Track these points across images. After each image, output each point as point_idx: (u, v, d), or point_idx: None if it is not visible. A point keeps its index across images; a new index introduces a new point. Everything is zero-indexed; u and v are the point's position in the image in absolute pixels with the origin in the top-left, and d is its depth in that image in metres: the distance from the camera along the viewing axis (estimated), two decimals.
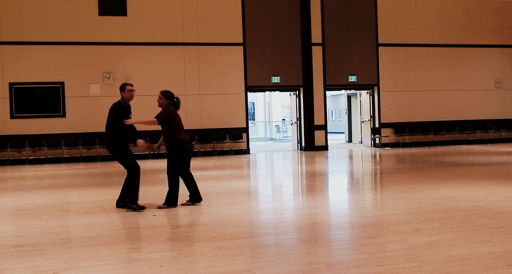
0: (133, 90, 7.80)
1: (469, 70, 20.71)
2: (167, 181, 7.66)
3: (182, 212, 7.28)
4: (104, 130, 7.81)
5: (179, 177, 7.73)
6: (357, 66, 19.63)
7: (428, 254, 4.83)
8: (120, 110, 7.62)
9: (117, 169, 13.36)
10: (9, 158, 16.52)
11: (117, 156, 7.73)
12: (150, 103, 16.85)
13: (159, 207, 7.55)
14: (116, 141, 7.62)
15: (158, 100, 7.76)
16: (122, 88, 7.78)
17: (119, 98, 7.82)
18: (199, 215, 7.04)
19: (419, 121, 20.16)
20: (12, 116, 16.63)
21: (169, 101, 7.68)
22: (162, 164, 7.79)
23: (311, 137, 19.18)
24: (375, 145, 19.97)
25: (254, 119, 30.84)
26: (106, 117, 7.73)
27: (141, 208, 7.52)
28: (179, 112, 7.88)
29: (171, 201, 7.56)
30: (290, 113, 21.01)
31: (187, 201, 7.79)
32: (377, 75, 19.79)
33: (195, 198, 7.79)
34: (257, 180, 12.14)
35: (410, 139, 20.10)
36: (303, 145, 19.37)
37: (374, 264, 4.59)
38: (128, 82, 8.35)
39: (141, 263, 4.81)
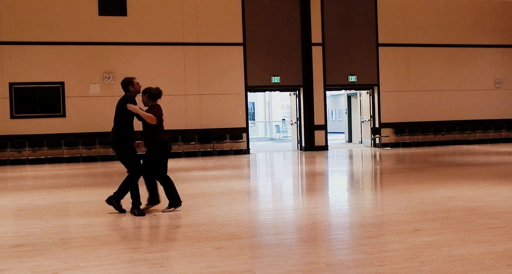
0: (138, 83, 7.58)
1: (469, 70, 20.72)
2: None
3: (182, 212, 7.27)
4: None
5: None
6: (357, 66, 19.63)
7: (428, 254, 4.83)
8: (132, 102, 7.26)
9: (117, 168, 13.37)
10: (9, 158, 16.52)
11: (120, 154, 7.45)
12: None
13: (164, 211, 7.29)
14: (121, 137, 7.29)
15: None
16: (131, 82, 7.39)
17: (118, 98, 7.59)
18: (199, 215, 7.03)
19: (419, 121, 20.16)
20: (12, 116, 16.63)
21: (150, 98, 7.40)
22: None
23: (311, 137, 19.18)
24: (375, 145, 19.97)
25: (254, 119, 30.84)
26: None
27: (121, 211, 7.30)
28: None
29: (174, 201, 7.37)
30: (290, 113, 21.01)
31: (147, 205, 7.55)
32: (377, 75, 19.79)
33: (153, 199, 7.54)
34: (257, 180, 12.13)
35: (410, 138, 20.10)
36: (303, 145, 19.37)
37: (374, 264, 4.59)
38: (130, 76, 7.97)
39: (141, 263, 4.81)
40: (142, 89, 7.51)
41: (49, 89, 16.94)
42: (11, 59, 16.65)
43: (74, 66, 17.04)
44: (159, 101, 7.47)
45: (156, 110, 7.26)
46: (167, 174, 7.40)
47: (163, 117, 7.35)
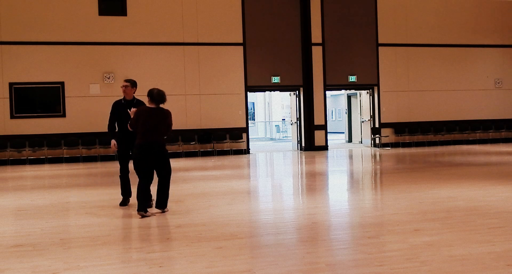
0: (123, 85, 7.70)
1: (469, 70, 20.71)
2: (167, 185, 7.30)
3: (182, 212, 7.27)
4: (105, 130, 7.92)
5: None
6: (357, 66, 19.62)
7: (428, 254, 4.83)
8: (113, 107, 7.76)
9: (117, 169, 13.35)
10: (9, 158, 16.52)
11: None
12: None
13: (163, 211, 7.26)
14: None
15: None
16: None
17: (118, 98, 7.88)
18: (199, 215, 7.03)
19: (419, 121, 20.16)
20: (12, 116, 16.63)
21: (149, 98, 7.20)
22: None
23: (311, 137, 19.18)
24: (375, 145, 19.97)
25: (254, 119, 30.84)
26: (105, 117, 7.83)
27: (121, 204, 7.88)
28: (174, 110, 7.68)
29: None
30: (290, 113, 21.01)
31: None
32: (377, 75, 19.79)
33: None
34: (257, 180, 12.13)
35: (410, 138, 20.10)
36: (303, 145, 19.37)
37: (374, 264, 4.59)
38: (127, 78, 8.25)
39: (141, 263, 4.81)
40: (126, 91, 7.76)
41: (49, 89, 16.94)
42: (11, 59, 16.65)
43: (74, 66, 17.03)
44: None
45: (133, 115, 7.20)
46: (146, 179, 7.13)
47: (149, 120, 7.04)
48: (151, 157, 7.04)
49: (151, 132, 7.04)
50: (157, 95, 7.10)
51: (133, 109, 7.33)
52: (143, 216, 6.94)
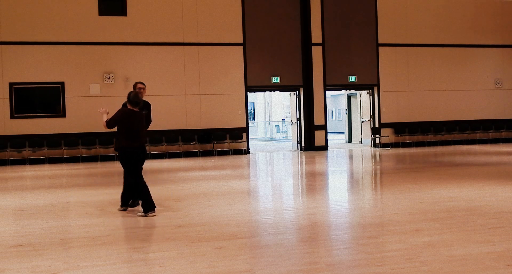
0: (142, 88, 7.83)
1: (469, 70, 20.71)
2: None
3: (182, 212, 7.28)
4: (105, 130, 7.82)
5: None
6: (357, 66, 19.62)
7: (428, 254, 4.83)
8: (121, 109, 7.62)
9: (117, 168, 13.38)
10: (9, 158, 16.51)
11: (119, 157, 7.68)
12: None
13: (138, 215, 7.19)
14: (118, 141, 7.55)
15: None
16: (134, 86, 7.89)
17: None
18: (199, 215, 7.04)
19: (419, 121, 20.15)
20: (12, 116, 16.63)
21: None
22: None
23: (311, 136, 19.18)
24: (375, 145, 19.97)
25: (254, 119, 30.83)
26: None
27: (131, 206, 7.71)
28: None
29: (146, 206, 7.19)
30: (290, 113, 21.01)
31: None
32: (377, 75, 19.79)
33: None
34: (257, 180, 12.14)
35: (410, 139, 20.10)
36: (303, 145, 19.36)
37: (374, 264, 4.59)
38: (140, 81, 8.27)
39: (141, 263, 4.81)
40: (142, 93, 7.76)
41: (49, 89, 16.93)
42: (11, 59, 16.65)
43: (74, 66, 17.03)
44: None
45: (113, 116, 7.31)
46: (140, 179, 7.29)
47: (135, 122, 7.25)
48: (143, 158, 7.49)
49: (142, 135, 7.46)
50: (133, 98, 7.28)
51: (102, 110, 7.44)
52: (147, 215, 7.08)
